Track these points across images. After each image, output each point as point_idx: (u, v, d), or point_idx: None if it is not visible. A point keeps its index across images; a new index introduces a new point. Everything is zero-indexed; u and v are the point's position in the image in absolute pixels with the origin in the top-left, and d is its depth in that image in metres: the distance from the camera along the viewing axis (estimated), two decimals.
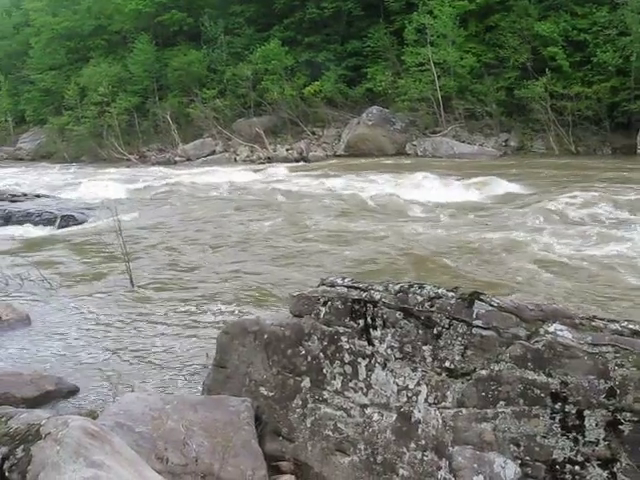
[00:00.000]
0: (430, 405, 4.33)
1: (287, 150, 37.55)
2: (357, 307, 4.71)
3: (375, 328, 4.61)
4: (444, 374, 4.30)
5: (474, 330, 4.22)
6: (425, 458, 4.27)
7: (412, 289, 4.53)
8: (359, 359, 4.69)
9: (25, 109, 56.76)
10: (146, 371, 7.56)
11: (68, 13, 54.07)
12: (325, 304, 4.91)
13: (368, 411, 4.60)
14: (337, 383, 4.79)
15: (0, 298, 10.66)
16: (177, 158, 40.45)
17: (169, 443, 4.63)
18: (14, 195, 22.42)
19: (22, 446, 3.17)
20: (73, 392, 7.20)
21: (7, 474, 3.15)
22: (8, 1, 71.12)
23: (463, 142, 33.94)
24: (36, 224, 18.51)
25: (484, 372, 4.15)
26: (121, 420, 4.71)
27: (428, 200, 18.47)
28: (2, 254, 15.05)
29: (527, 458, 3.95)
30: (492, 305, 4.25)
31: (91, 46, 53.11)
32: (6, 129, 56.14)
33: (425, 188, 20.35)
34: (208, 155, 40.22)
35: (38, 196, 22.83)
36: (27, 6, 60.39)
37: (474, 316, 4.24)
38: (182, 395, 5.92)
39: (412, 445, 4.34)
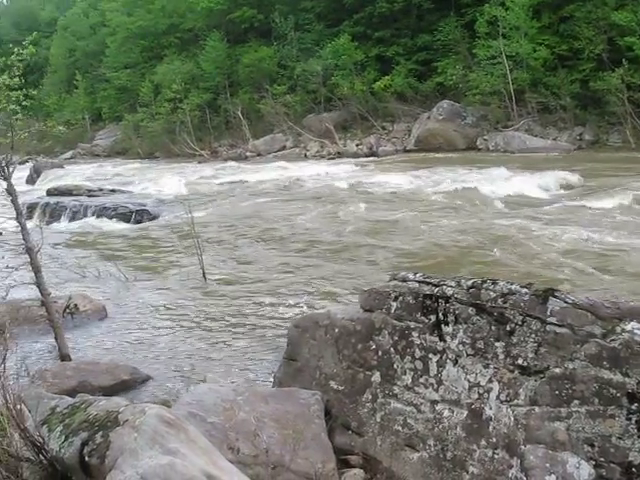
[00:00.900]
0: (502, 402, 4.28)
1: (357, 145, 37.49)
2: (429, 302, 4.69)
3: (447, 324, 4.59)
4: (517, 371, 4.24)
5: (548, 327, 4.15)
6: (496, 456, 4.23)
7: (485, 285, 4.49)
8: (430, 355, 4.67)
9: (101, 107, 58.27)
10: (218, 362, 7.70)
11: (142, 13, 55.24)
12: (396, 299, 4.90)
13: (438, 407, 4.59)
14: (407, 378, 4.78)
15: (78, 290, 11.00)
16: (248, 153, 40.85)
17: (240, 434, 4.71)
18: (91, 190, 23.05)
19: (101, 432, 3.28)
20: (147, 381, 7.39)
21: (87, 459, 3.26)
22: (86, 3, 73.08)
23: (536, 136, 33.21)
24: (112, 218, 19.02)
25: (558, 370, 4.08)
26: (194, 410, 4.82)
27: (497, 195, 18.13)
28: (80, 247, 15.53)
29: (601, 459, 3.86)
30: (567, 302, 4.17)
31: (165, 44, 54.14)
32: (83, 126, 57.61)
33: (495, 183, 19.98)
34: (278, 150, 40.50)
35: (114, 191, 23.40)
36: (103, 7, 62.04)
37: (548, 313, 4.17)
38: (253, 387, 6.01)
39: (483, 442, 4.30)
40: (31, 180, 32.21)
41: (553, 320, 4.14)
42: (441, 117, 35.17)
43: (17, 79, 7.53)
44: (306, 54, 44.14)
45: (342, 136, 39.30)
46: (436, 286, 4.71)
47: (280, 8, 46.58)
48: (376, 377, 4.95)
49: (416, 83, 39.85)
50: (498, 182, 20.05)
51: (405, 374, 4.79)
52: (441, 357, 4.62)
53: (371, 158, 34.04)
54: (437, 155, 32.06)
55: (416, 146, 35.70)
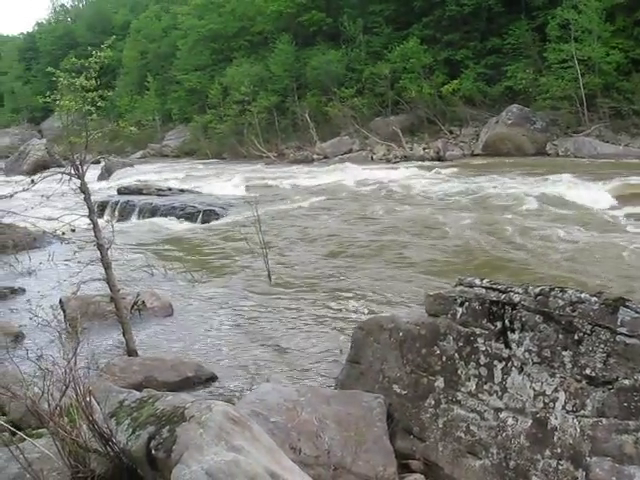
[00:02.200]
0: (568, 413, 4.20)
1: (424, 149, 37.19)
2: (495, 309, 4.64)
3: (513, 331, 4.53)
4: (584, 381, 4.16)
5: (618, 337, 4.05)
6: (560, 467, 4.15)
7: (553, 292, 4.41)
8: (495, 362, 4.62)
9: (171, 108, 59.44)
10: (281, 363, 7.76)
11: (213, 16, 56.09)
12: (462, 304, 4.86)
13: (502, 415, 4.53)
14: (471, 385, 4.74)
15: (146, 287, 11.24)
16: (314, 156, 40.98)
17: (302, 434, 4.74)
18: (160, 189, 23.49)
19: (168, 427, 3.35)
20: (211, 379, 7.50)
21: (153, 452, 3.34)
22: (158, 6, 74.65)
23: (607, 142, 32.36)
24: (180, 218, 19.37)
25: (627, 382, 3.98)
26: (257, 409, 4.87)
27: (566, 202, 17.67)
28: (148, 245, 15.85)
29: None
30: (638, 312, 4.07)
31: (234, 47, 54.87)
32: (153, 127, 58.80)
33: (564, 190, 19.51)
34: (345, 153, 40.49)
35: (182, 191, 23.80)
36: (175, 10, 63.24)
37: (619, 323, 4.08)
38: (316, 388, 6.03)
39: (547, 453, 4.23)
40: (102, 179, 33.08)
41: (623, 330, 4.04)
42: (510, 122, 34.61)
43: (93, 81, 7.75)
44: (374, 57, 44.12)
45: (409, 140, 39.08)
46: (503, 292, 4.65)
47: (349, 11, 46.67)
48: (439, 382, 4.92)
49: (485, 87, 39.37)
50: (568, 188, 19.61)
51: (469, 380, 4.75)
52: (506, 364, 4.56)
53: (438, 162, 33.74)
54: (505, 160, 31.55)
55: (484, 151, 35.24)
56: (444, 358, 4.91)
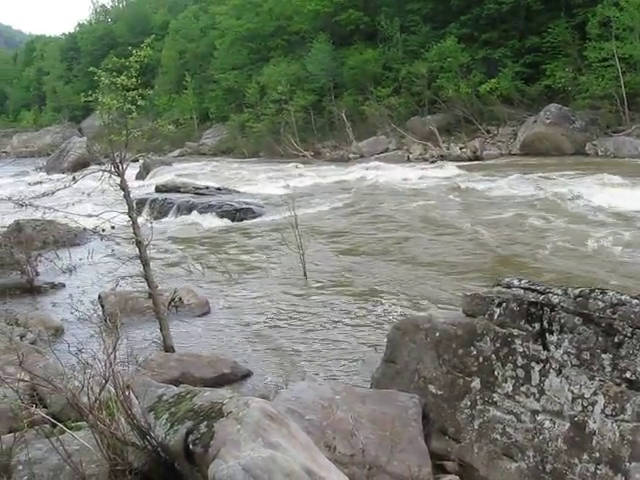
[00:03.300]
0: (607, 417, 4.15)
1: (461, 148, 36.94)
2: (533, 310, 4.59)
3: (551, 332, 4.48)
4: (624, 385, 4.10)
5: None
6: (598, 472, 4.10)
7: (593, 294, 4.36)
8: (532, 363, 4.58)
9: (209, 107, 59.90)
10: (316, 360, 7.78)
11: (251, 16, 56.42)
12: (500, 305, 4.83)
13: (539, 417, 4.49)
14: (508, 386, 4.70)
15: (183, 284, 11.35)
16: (351, 155, 40.94)
17: (337, 432, 4.74)
18: (197, 188, 23.64)
19: (205, 422, 3.38)
20: (247, 376, 7.56)
21: (191, 447, 3.37)
22: (196, 7, 75.30)
23: None
24: (217, 216, 19.50)
25: None
26: (292, 406, 4.88)
27: (601, 204, 17.34)
28: (185, 243, 16.01)
29: None
30: None
31: (271, 46, 55.16)
32: (191, 126, 59.23)
33: (602, 191, 19.17)
34: (381, 153, 40.39)
35: (219, 189, 23.92)
36: (213, 10, 63.71)
37: None
38: (351, 386, 6.03)
39: (585, 457, 4.18)
40: (141, 177, 33.46)
41: None
42: (548, 121, 34.21)
43: (134, 80, 7.85)
44: (411, 56, 43.93)
45: (446, 139, 38.84)
46: (542, 293, 4.61)
47: (386, 10, 46.55)
48: (476, 383, 4.89)
49: (523, 86, 38.96)
50: (607, 189, 19.30)
51: (506, 382, 4.71)
52: (544, 366, 4.51)
53: (475, 162, 33.50)
54: (543, 160, 31.20)
55: (522, 150, 34.89)
56: (481, 359, 4.88)
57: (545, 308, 4.53)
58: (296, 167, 35.98)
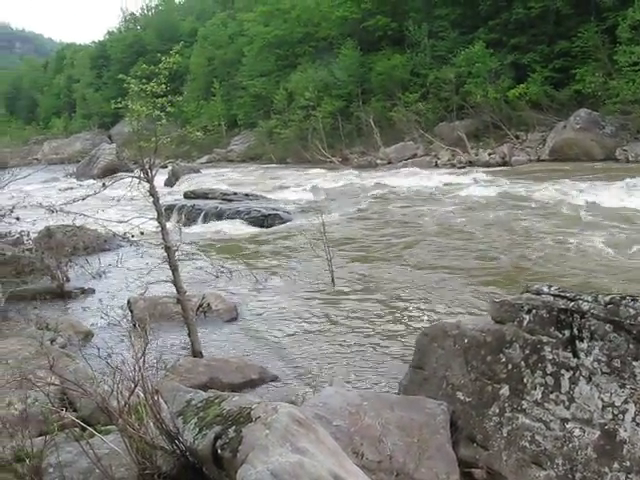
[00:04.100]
0: (638, 425, 4.10)
1: (489, 154, 36.73)
2: (563, 317, 4.55)
3: (581, 340, 4.44)
4: None
5: None
6: None
7: (624, 301, 4.31)
8: (562, 371, 4.53)
9: (237, 113, 60.19)
10: (344, 366, 7.78)
11: (279, 22, 56.63)
12: (529, 312, 4.79)
13: (569, 425, 4.44)
14: (537, 394, 4.66)
15: (211, 289, 11.42)
16: (378, 161, 40.88)
17: (365, 439, 4.74)
18: (225, 194, 23.77)
19: (234, 427, 3.40)
20: (274, 381, 7.58)
21: (219, 451, 3.39)
22: (225, 14, 75.80)
23: None
24: (245, 222, 19.58)
25: None
26: (320, 412, 4.88)
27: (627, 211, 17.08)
28: (213, 248, 16.10)
29: None
30: None
31: (299, 53, 55.29)
32: (219, 132, 59.59)
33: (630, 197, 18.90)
34: (409, 158, 40.25)
35: (247, 195, 24.01)
36: (242, 17, 64.07)
37: None
38: (379, 393, 6.03)
39: (615, 465, 4.13)
40: (169, 183, 33.70)
41: None
42: (578, 126, 33.88)
43: (163, 86, 7.93)
44: (439, 61, 43.77)
45: (474, 145, 38.62)
46: (572, 300, 4.57)
47: (414, 16, 46.45)
48: (505, 390, 4.86)
49: (552, 91, 38.60)
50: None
51: (535, 389, 4.68)
52: (574, 374, 4.47)
53: (504, 167, 33.29)
54: (572, 166, 30.90)
55: (551, 156, 34.57)
56: (510, 366, 4.85)
57: (575, 315, 4.49)
58: (324, 173, 36.02)
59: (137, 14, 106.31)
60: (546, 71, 38.97)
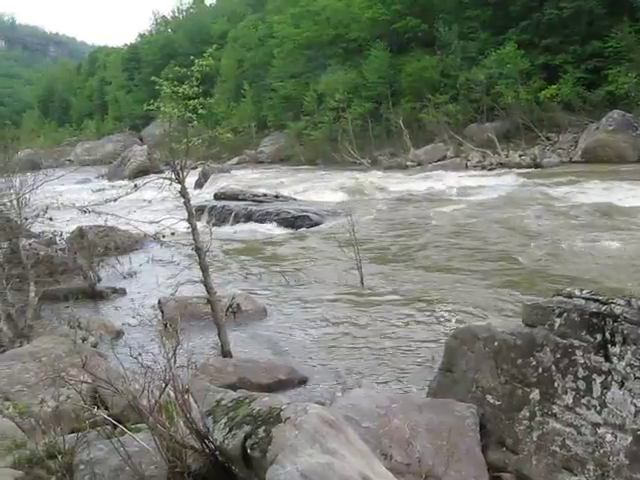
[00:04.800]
0: None
1: (520, 156, 36.42)
2: (595, 321, 4.50)
3: (614, 344, 4.39)
4: None
5: None
6: None
7: None
8: (594, 375, 4.48)
9: (267, 115, 60.46)
10: (373, 368, 7.77)
11: (309, 24, 56.77)
12: (560, 315, 4.74)
13: (600, 431, 4.39)
14: (568, 398, 4.61)
15: (241, 290, 11.47)
16: (408, 163, 40.74)
17: (394, 441, 4.73)
18: (255, 195, 23.85)
19: (263, 427, 3.41)
20: (303, 382, 7.59)
21: (249, 451, 3.41)
22: (255, 16, 76.20)
23: None
24: (274, 223, 19.66)
25: None
26: (349, 414, 4.88)
27: None
28: (243, 249, 16.17)
29: None
30: None
31: (329, 54, 55.38)
32: (249, 134, 59.91)
33: None
34: (439, 160, 40.09)
35: (277, 197, 24.07)
36: (272, 19, 64.34)
37: None
38: (408, 395, 6.01)
39: None
40: (199, 184, 33.90)
41: None
42: (611, 128, 33.51)
43: (196, 88, 8.00)
44: (470, 63, 43.58)
45: (505, 146, 38.35)
46: (604, 304, 4.52)
47: (444, 17, 46.31)
48: (535, 394, 4.82)
49: (585, 92, 38.23)
50: None
51: (566, 393, 4.63)
52: (606, 378, 4.42)
53: (534, 169, 32.99)
54: (605, 167, 30.52)
55: (582, 158, 34.22)
56: (540, 369, 4.81)
57: (607, 319, 4.44)
58: (353, 175, 35.98)
59: (168, 17, 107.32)
60: (578, 72, 38.61)
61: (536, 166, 33.85)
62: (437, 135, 42.81)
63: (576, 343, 4.60)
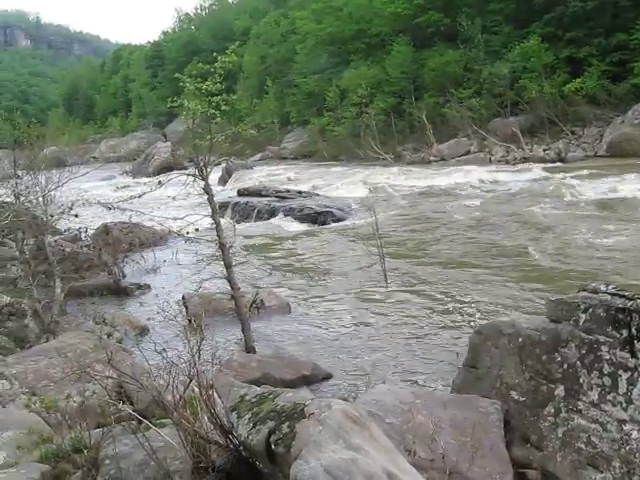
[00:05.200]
0: None
1: (544, 150, 36.09)
2: (621, 316, 4.46)
3: None
4: None
5: None
6: None
7: None
8: (620, 371, 4.44)
9: (289, 111, 60.47)
10: (396, 364, 7.76)
11: (331, 20, 56.65)
12: (585, 311, 4.70)
13: (626, 427, 4.35)
14: (594, 394, 4.58)
15: (264, 286, 11.51)
16: (431, 158, 40.55)
17: (417, 437, 4.71)
18: (279, 191, 23.90)
19: (287, 423, 3.42)
20: (327, 378, 7.60)
21: (273, 447, 3.41)
22: (277, 12, 76.24)
23: None
24: (298, 219, 19.68)
25: None
26: (372, 409, 4.88)
27: None
28: (267, 245, 16.21)
29: None
30: None
31: (351, 50, 55.26)
32: (272, 130, 59.97)
33: None
34: (462, 155, 39.87)
35: (300, 193, 24.09)
36: (294, 15, 64.30)
37: None
38: (432, 391, 6.00)
39: None
40: (223, 181, 34.02)
41: None
42: (637, 121, 33.10)
43: (218, 85, 8.02)
44: (493, 57, 43.26)
45: (529, 141, 38.04)
46: (630, 299, 4.47)
47: (467, 11, 45.99)
48: (560, 391, 4.78)
49: (610, 85, 37.78)
50: None
51: (591, 390, 4.59)
52: (632, 375, 4.38)
53: (559, 164, 32.69)
54: (630, 161, 30.16)
55: (608, 152, 33.83)
56: (565, 365, 4.77)
57: (634, 314, 4.39)
58: (376, 170, 35.91)
59: (191, 14, 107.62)
60: (603, 65, 38.15)
61: (560, 160, 33.54)
62: (460, 130, 42.56)
63: (602, 339, 4.56)
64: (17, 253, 11.52)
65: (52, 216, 11.78)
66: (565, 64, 39.90)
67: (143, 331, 9.53)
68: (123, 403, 5.02)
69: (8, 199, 11.17)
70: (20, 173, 12.26)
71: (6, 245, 13.76)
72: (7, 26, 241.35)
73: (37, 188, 11.45)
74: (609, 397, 4.48)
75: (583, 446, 4.55)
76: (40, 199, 11.33)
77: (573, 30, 40.29)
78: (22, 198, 11.22)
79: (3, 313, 8.70)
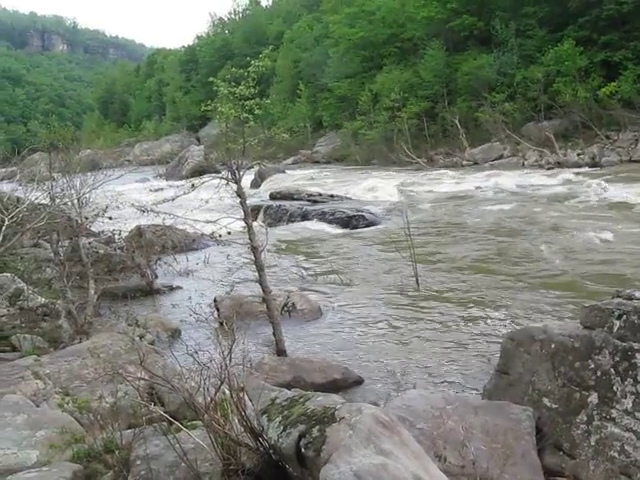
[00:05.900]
0: None
1: (578, 155, 35.71)
2: None
3: None
4: None
5: None
6: None
7: None
8: None
9: (322, 115, 60.61)
10: (427, 369, 7.72)
11: (364, 24, 56.62)
12: (620, 317, 4.65)
13: None
14: (628, 402, 4.52)
15: (296, 289, 11.53)
16: (464, 162, 40.38)
17: (448, 443, 4.69)
18: (311, 195, 23.93)
19: (318, 427, 3.42)
20: (358, 383, 7.59)
21: (303, 450, 3.42)
22: (310, 16, 76.47)
23: None
24: (330, 223, 19.69)
25: None
26: (403, 414, 4.87)
27: None
28: (299, 249, 16.24)
29: None
30: None
31: (384, 54, 55.19)
32: (305, 134, 60.12)
33: None
34: (495, 159, 39.63)
35: (332, 196, 24.11)
36: (327, 20, 64.40)
37: None
38: (463, 396, 5.95)
39: None
40: (255, 184, 34.18)
41: None
42: None
43: (252, 89, 8.07)
44: (527, 61, 42.91)
45: (562, 145, 37.64)
46: None
47: (501, 15, 45.67)
48: (593, 398, 4.73)
49: None
50: None
51: (625, 398, 4.53)
52: None
53: (593, 169, 32.30)
54: None
55: None
56: (599, 373, 4.71)
57: None
58: (409, 174, 35.81)
59: (225, 19, 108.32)
60: (639, 69, 37.62)
61: (595, 165, 33.15)
62: (493, 134, 42.27)
63: (636, 346, 4.50)
64: (52, 254, 11.68)
65: (86, 218, 11.94)
66: (600, 68, 39.42)
67: (175, 333, 9.60)
68: (154, 404, 5.06)
69: (44, 201, 11.33)
70: (56, 175, 12.45)
71: (41, 246, 13.97)
72: (45, 31, 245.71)
73: (72, 190, 11.61)
74: None
75: (616, 455, 4.49)
76: (75, 201, 11.49)
77: (608, 33, 39.79)
78: (57, 200, 11.38)
79: (38, 313, 8.82)
